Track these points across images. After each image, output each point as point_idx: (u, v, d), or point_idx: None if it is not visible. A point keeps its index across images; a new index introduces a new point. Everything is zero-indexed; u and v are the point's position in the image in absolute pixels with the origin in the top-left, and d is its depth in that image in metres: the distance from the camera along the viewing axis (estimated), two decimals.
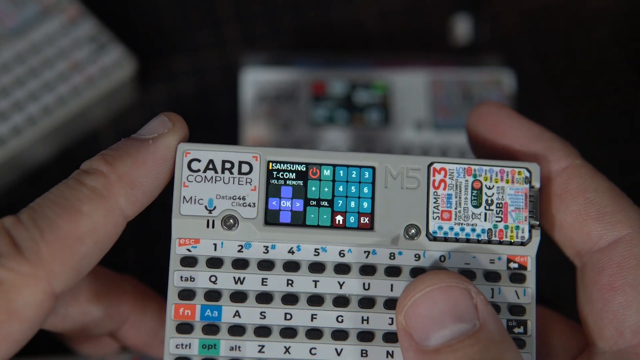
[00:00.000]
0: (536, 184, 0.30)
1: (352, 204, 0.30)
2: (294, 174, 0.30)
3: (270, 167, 0.30)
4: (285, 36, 0.55)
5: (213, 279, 0.29)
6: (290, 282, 0.30)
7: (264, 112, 0.50)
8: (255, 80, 0.50)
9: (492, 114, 0.33)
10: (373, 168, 0.30)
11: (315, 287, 0.30)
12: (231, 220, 0.29)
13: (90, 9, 0.51)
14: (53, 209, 0.28)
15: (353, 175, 0.30)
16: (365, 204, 0.30)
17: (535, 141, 0.32)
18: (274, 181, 0.30)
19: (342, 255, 0.30)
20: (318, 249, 0.30)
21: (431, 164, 0.30)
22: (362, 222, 0.30)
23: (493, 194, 0.30)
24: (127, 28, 0.53)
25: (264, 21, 0.55)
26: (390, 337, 0.30)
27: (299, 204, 0.30)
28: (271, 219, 0.30)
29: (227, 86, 0.53)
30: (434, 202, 0.30)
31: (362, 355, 0.29)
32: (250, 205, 0.29)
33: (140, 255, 0.48)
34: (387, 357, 0.29)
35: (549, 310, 0.34)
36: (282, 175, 0.30)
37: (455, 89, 0.50)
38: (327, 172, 0.30)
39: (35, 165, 0.50)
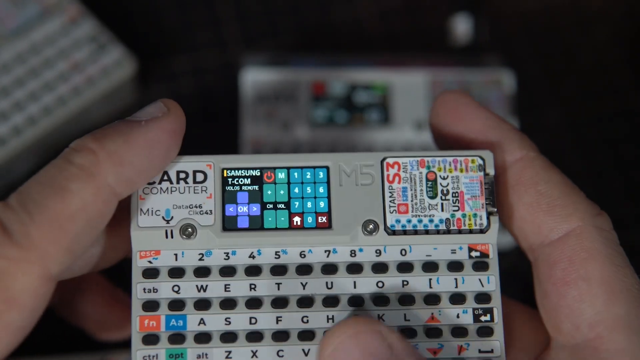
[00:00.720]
0: (490, 171, 0.30)
1: (309, 204, 0.30)
2: (249, 179, 0.30)
3: (225, 175, 0.30)
4: (285, 36, 0.55)
5: (176, 288, 0.30)
6: (253, 286, 0.30)
7: (263, 112, 0.50)
8: (255, 80, 0.50)
9: (451, 102, 0.33)
10: (327, 167, 0.30)
11: (278, 289, 0.30)
12: (189, 229, 0.30)
13: (90, 9, 0.51)
14: (41, 190, 0.28)
15: (307, 176, 0.30)
16: (322, 204, 0.30)
17: (491, 130, 0.32)
18: (229, 187, 0.30)
19: (302, 256, 0.30)
20: (279, 252, 0.30)
21: (384, 159, 0.30)
22: (319, 221, 0.30)
23: (448, 183, 0.30)
24: (127, 28, 0.53)
25: (264, 21, 0.55)
26: None
27: (255, 209, 0.30)
28: (229, 224, 0.30)
29: (227, 86, 0.53)
30: (390, 196, 0.30)
31: None
32: (207, 213, 0.30)
33: None
34: None
35: (516, 302, 0.34)
36: (237, 181, 0.30)
37: (455, 89, 0.50)
38: (281, 175, 0.30)
39: (35, 166, 0.50)
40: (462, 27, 0.54)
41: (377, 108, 0.50)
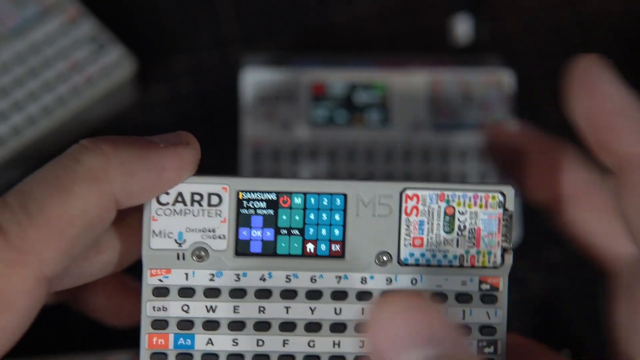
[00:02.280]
0: (510, 207, 0.30)
1: (323, 231, 0.30)
2: (265, 202, 0.30)
3: (241, 197, 0.30)
4: (285, 36, 0.55)
5: (185, 308, 0.30)
6: (262, 309, 0.30)
7: (264, 112, 0.50)
8: (255, 80, 0.50)
9: (591, 72, 0.31)
10: (345, 195, 0.30)
11: (287, 313, 0.30)
12: (202, 253, 0.30)
13: (90, 9, 0.51)
14: (43, 190, 0.27)
15: (324, 203, 0.30)
16: (337, 232, 0.30)
17: (623, 118, 0.31)
18: (244, 211, 0.30)
19: (313, 281, 0.30)
20: (289, 275, 0.30)
21: (403, 190, 0.30)
22: (333, 249, 0.30)
23: (466, 219, 0.30)
24: (127, 28, 0.53)
25: (264, 21, 0.55)
26: None
27: (269, 233, 0.30)
28: (242, 249, 0.30)
29: (227, 86, 0.53)
30: (406, 229, 0.30)
31: None
32: (220, 237, 0.30)
33: None
34: None
35: (532, 341, 0.34)
36: (253, 204, 0.30)
37: (455, 89, 0.50)
38: (298, 200, 0.30)
39: (35, 166, 0.50)
40: (462, 26, 0.54)
41: (377, 108, 0.50)
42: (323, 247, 0.30)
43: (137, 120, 0.51)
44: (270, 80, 0.50)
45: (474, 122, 0.50)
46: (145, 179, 0.28)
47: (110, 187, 0.28)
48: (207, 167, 0.51)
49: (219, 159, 0.51)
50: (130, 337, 0.47)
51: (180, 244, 0.29)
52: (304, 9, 0.55)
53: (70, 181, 0.27)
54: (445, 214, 0.30)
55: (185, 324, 0.30)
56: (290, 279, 0.30)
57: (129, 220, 0.30)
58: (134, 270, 0.32)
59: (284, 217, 0.30)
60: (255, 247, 0.30)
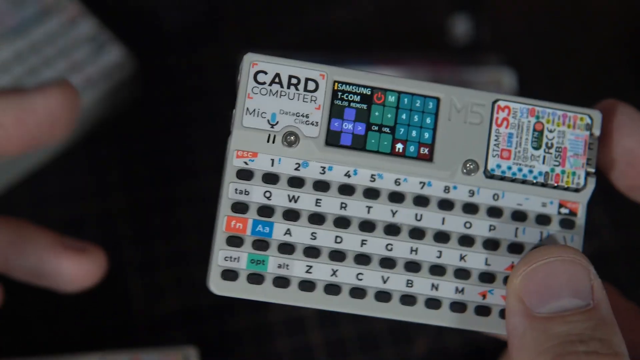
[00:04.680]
0: (596, 131, 0.31)
1: (414, 133, 0.30)
2: (359, 96, 0.30)
3: (336, 87, 0.29)
4: (285, 36, 0.55)
5: (267, 194, 0.29)
6: (344, 205, 0.30)
7: None
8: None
9: (617, 113, 0.32)
10: (438, 99, 0.30)
11: (368, 212, 0.30)
12: (292, 137, 0.29)
13: (90, 9, 0.51)
14: None
15: (417, 105, 0.30)
16: (427, 135, 0.30)
17: None
18: (338, 102, 0.29)
19: (397, 183, 0.30)
20: (375, 175, 0.30)
21: (496, 100, 0.30)
22: (421, 152, 0.30)
23: (554, 137, 0.30)
24: (127, 28, 0.53)
25: (264, 21, 0.55)
26: (437, 270, 0.30)
27: (360, 128, 0.29)
28: (332, 139, 0.29)
29: (227, 86, 0.53)
30: (495, 140, 0.30)
31: (407, 285, 0.30)
32: (312, 124, 0.29)
33: (141, 253, 0.48)
34: (431, 289, 0.30)
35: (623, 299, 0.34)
36: (347, 97, 0.29)
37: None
38: (391, 99, 0.30)
39: (35, 166, 0.50)
40: (462, 26, 0.54)
41: None
42: (412, 148, 0.30)
43: (137, 120, 0.51)
44: None
45: None
46: (15, 127, 0.31)
47: None
48: (208, 167, 0.51)
49: (219, 159, 0.51)
50: (130, 337, 0.47)
51: (272, 125, 0.29)
52: (304, 9, 0.55)
53: None
54: (535, 129, 0.30)
55: (266, 211, 0.29)
56: (375, 179, 0.30)
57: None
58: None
59: (377, 113, 0.29)
60: (346, 140, 0.29)
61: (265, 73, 0.29)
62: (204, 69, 0.53)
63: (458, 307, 0.30)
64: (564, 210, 0.30)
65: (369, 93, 0.30)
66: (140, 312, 0.47)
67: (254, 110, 0.29)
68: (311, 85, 0.29)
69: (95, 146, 0.51)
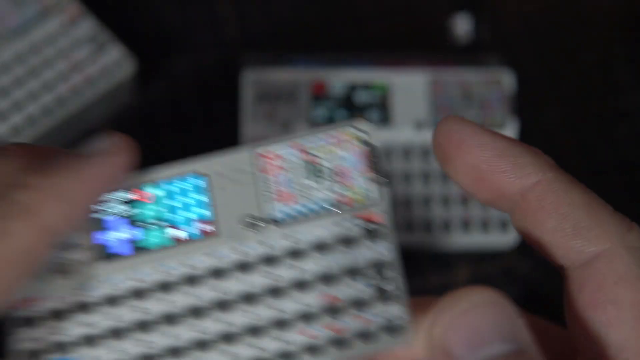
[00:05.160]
0: (373, 141, 0.30)
1: (193, 215, 0.30)
2: (119, 202, 0.29)
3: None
4: (285, 36, 0.55)
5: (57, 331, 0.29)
6: (142, 310, 0.29)
7: (263, 111, 0.50)
8: (255, 80, 0.50)
9: (453, 131, 0.32)
10: (203, 175, 0.30)
11: (171, 304, 0.29)
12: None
13: (90, 9, 0.51)
14: None
15: (182, 188, 0.30)
16: (208, 213, 0.30)
17: (501, 158, 0.32)
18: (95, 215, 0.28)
19: (186, 266, 0.30)
20: (164, 269, 0.29)
21: (256, 152, 0.30)
22: (207, 231, 0.30)
23: (328, 162, 0.30)
24: (127, 28, 0.53)
25: (264, 21, 0.55)
26: (257, 332, 0.30)
27: (135, 232, 0.29)
28: (103, 254, 0.29)
29: (227, 86, 0.53)
30: (270, 187, 0.30)
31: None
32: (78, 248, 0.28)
33: None
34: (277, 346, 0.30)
35: (541, 319, 0.34)
36: (106, 208, 0.29)
37: (455, 88, 0.50)
38: (155, 192, 0.30)
39: None
40: (462, 26, 0.54)
41: (377, 108, 0.50)
42: (195, 231, 0.29)
43: (137, 120, 0.51)
44: (270, 80, 0.50)
45: (474, 121, 0.50)
46: (81, 200, 0.28)
47: (48, 219, 0.27)
48: None
49: None
50: None
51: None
52: (303, 8, 0.55)
53: (3, 219, 0.26)
54: (307, 162, 0.30)
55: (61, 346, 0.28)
56: (167, 272, 0.30)
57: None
58: None
59: (144, 210, 0.29)
60: (123, 249, 0.29)
61: None
62: (204, 69, 0.53)
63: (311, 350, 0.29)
64: (371, 226, 0.30)
65: (128, 196, 0.29)
66: None
67: None
68: None
69: None
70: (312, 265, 0.29)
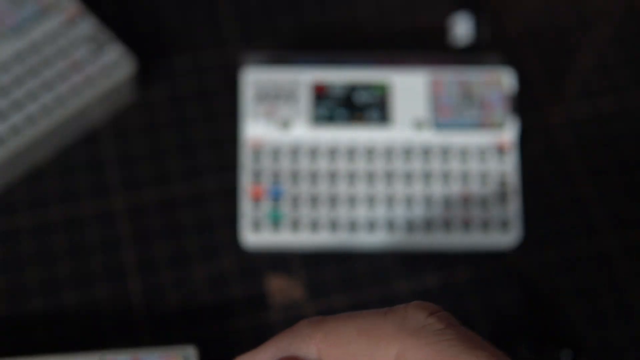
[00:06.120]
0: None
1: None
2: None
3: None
4: (285, 36, 0.55)
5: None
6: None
7: (263, 111, 0.50)
8: (255, 80, 0.50)
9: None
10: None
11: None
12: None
13: (90, 9, 0.51)
14: None
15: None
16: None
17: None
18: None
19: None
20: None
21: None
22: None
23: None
24: (127, 28, 0.53)
25: (264, 21, 0.55)
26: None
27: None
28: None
29: (227, 86, 0.53)
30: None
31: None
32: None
33: (141, 253, 0.48)
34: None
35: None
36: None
37: (456, 88, 0.50)
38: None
39: (35, 165, 0.50)
40: (462, 26, 0.54)
41: (377, 107, 0.50)
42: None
43: (137, 120, 0.51)
44: (270, 80, 0.50)
45: (474, 121, 0.50)
46: None
47: None
48: (207, 167, 0.51)
49: (219, 159, 0.51)
50: (130, 337, 0.47)
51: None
52: (303, 8, 0.55)
53: None
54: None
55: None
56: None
57: None
58: None
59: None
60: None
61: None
62: (204, 69, 0.53)
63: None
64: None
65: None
66: (141, 312, 0.47)
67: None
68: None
69: (95, 146, 0.50)
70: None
